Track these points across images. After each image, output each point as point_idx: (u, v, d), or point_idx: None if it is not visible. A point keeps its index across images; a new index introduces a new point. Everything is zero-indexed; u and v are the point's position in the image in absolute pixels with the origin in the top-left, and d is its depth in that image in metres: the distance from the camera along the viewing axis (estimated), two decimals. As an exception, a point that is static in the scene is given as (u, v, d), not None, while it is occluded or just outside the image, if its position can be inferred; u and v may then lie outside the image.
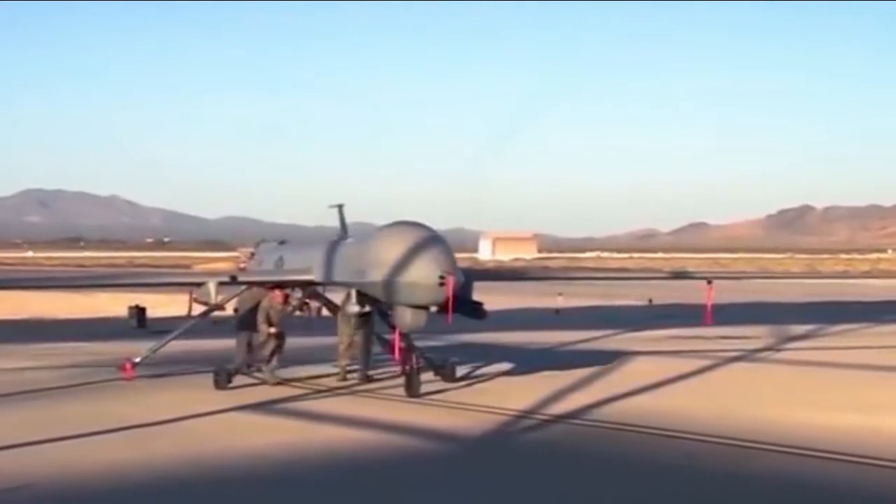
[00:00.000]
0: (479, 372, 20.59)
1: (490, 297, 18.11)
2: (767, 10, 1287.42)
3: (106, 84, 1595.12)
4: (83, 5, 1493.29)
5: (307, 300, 20.33)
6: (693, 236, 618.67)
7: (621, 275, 46.06)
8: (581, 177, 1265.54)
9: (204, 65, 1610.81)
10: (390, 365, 20.38)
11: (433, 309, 16.64)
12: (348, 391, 18.58)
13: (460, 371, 19.61)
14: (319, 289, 20.05)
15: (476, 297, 17.74)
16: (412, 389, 17.45)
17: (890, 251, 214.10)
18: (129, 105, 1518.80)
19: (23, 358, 24.10)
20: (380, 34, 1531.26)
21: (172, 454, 12.83)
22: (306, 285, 19.53)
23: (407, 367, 18.02)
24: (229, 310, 20.20)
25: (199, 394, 18.02)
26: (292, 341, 20.02)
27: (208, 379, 18.90)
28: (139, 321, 33.54)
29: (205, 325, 20.22)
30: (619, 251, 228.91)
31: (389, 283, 16.55)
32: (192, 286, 19.86)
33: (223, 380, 18.66)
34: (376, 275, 16.72)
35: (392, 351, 19.06)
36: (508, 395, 17.33)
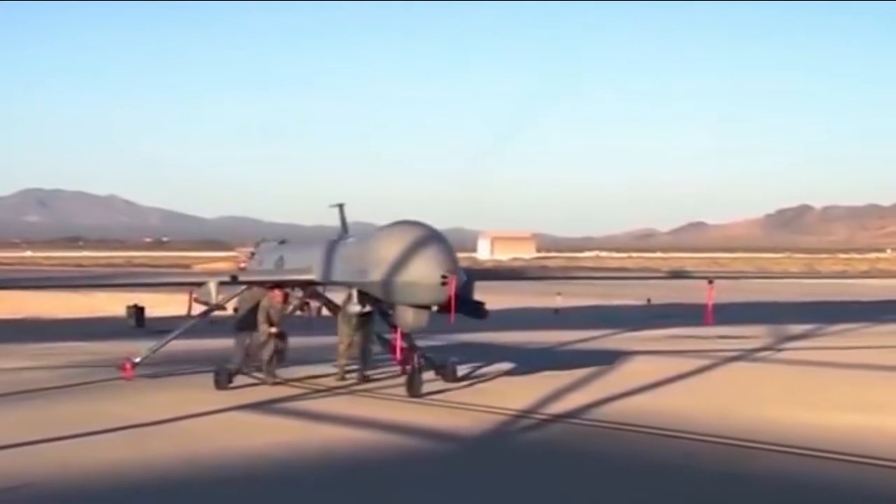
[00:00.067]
0: (479, 372, 20.58)
1: (489, 296, 18.09)
2: (767, 10, 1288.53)
3: (104, 83, 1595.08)
4: (82, 5, 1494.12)
5: (307, 300, 20.34)
6: (692, 236, 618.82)
7: (620, 274, 46.04)
8: (580, 176, 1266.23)
9: (202, 64, 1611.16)
10: (389, 365, 20.39)
11: (434, 308, 16.62)
12: (347, 391, 18.57)
13: (460, 371, 19.60)
14: (319, 288, 20.04)
15: (475, 296, 17.74)
16: (414, 389, 17.42)
17: (888, 251, 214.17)
18: (127, 105, 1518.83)
19: (21, 358, 24.08)
20: (378, 34, 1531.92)
21: (171, 454, 12.82)
22: (307, 285, 19.52)
23: (408, 367, 18.02)
24: (230, 310, 20.20)
25: (198, 393, 18.00)
26: (292, 341, 19.99)
27: (208, 379, 18.89)
28: (138, 321, 33.53)
29: (203, 324, 20.20)
30: (617, 251, 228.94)
31: (391, 283, 16.53)
32: (192, 286, 19.87)
33: (224, 380, 18.64)
34: (378, 274, 16.69)
35: (392, 351, 19.08)
36: (508, 395, 17.32)
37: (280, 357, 19.39)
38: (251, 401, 17.11)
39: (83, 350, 25.86)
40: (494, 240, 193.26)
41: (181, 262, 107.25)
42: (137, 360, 19.17)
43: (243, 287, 19.64)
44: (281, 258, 20.64)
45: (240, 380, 18.94)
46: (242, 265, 23.96)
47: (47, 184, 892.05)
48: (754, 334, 29.99)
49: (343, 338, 19.64)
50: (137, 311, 34.08)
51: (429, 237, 16.63)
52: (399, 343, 17.96)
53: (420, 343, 19.02)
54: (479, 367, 20.97)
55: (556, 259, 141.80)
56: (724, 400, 17.18)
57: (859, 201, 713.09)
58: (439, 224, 17.21)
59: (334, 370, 19.94)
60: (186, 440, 13.88)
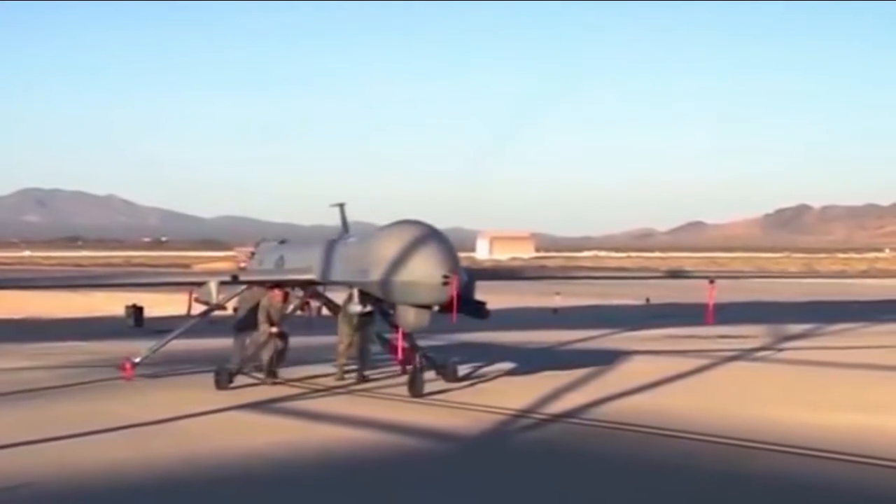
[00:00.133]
0: (479, 372, 20.55)
1: (488, 296, 18.06)
2: (767, 10, 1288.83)
3: (103, 83, 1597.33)
4: (82, 5, 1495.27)
5: (308, 299, 20.33)
6: (690, 236, 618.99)
7: (619, 274, 46.02)
8: (579, 176, 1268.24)
9: (202, 64, 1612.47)
10: (389, 364, 20.37)
11: (435, 308, 16.59)
12: (346, 391, 18.55)
13: (460, 371, 19.56)
14: (320, 288, 20.02)
15: (476, 296, 17.72)
16: (415, 389, 17.37)
17: (887, 250, 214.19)
18: (126, 104, 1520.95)
19: (20, 357, 24.06)
20: (378, 34, 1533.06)
21: (170, 453, 12.81)
22: (307, 285, 19.50)
23: (409, 367, 17.99)
24: (230, 309, 20.18)
25: (197, 393, 17.98)
26: (292, 340, 19.97)
27: (207, 378, 18.87)
28: (137, 320, 33.45)
29: (203, 324, 20.17)
30: (616, 251, 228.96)
31: (392, 283, 16.50)
32: (192, 286, 19.84)
33: (224, 380, 18.60)
34: (379, 274, 16.66)
35: (392, 350, 19.05)
36: (507, 395, 17.30)
37: (280, 357, 19.39)
38: (250, 400, 17.09)
39: (82, 350, 25.84)
40: (493, 240, 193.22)
41: (180, 262, 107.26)
42: (137, 360, 19.13)
43: (243, 287, 19.62)
44: (281, 258, 20.61)
45: (240, 380, 18.91)
46: (242, 265, 23.94)
47: (46, 183, 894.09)
48: (753, 334, 29.96)
49: (343, 337, 19.62)
50: (136, 310, 33.97)
51: (430, 237, 16.59)
52: (400, 343, 17.92)
53: (420, 343, 18.99)
54: (480, 367, 20.95)
55: (555, 259, 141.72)
56: (723, 400, 17.17)
57: (858, 201, 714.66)
58: (438, 224, 17.16)
59: (334, 370, 19.93)
60: (186, 440, 13.86)
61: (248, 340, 19.60)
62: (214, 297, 18.85)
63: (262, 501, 10.83)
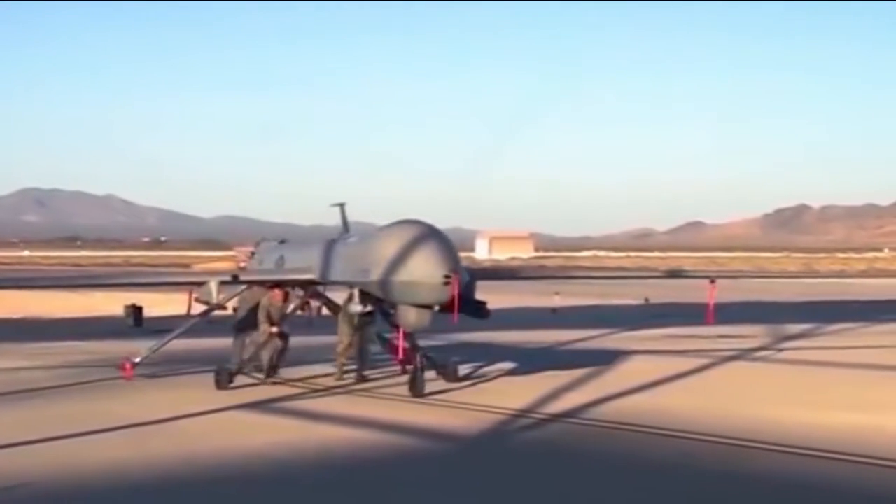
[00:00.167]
0: (479, 372, 20.55)
1: (487, 296, 18.05)
2: (767, 9, 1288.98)
3: (103, 83, 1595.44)
4: (82, 5, 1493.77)
5: (308, 299, 20.31)
6: (690, 235, 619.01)
7: (618, 274, 45.99)
8: (578, 176, 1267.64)
9: (202, 64, 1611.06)
10: (388, 364, 20.36)
11: (436, 308, 16.57)
12: (345, 390, 18.55)
13: (461, 371, 19.54)
14: (320, 288, 20.01)
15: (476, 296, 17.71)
16: (416, 389, 17.34)
17: (886, 250, 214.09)
18: (126, 104, 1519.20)
19: (19, 357, 24.06)
20: (377, 34, 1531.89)
21: (169, 453, 12.80)
22: (308, 284, 19.48)
23: (410, 367, 17.98)
24: (230, 309, 20.16)
25: (197, 393, 17.98)
26: (292, 340, 19.94)
27: (206, 378, 18.86)
28: (136, 320, 33.38)
29: (202, 324, 20.16)
30: (615, 250, 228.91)
31: (393, 283, 16.48)
32: (192, 285, 19.83)
33: (224, 380, 18.58)
34: (380, 274, 16.64)
35: (392, 350, 19.04)
36: (507, 395, 17.29)
37: (280, 357, 19.37)
38: (250, 400, 17.08)
39: (81, 349, 25.83)
40: (492, 239, 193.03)
41: (179, 262, 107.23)
42: (137, 360, 19.13)
43: (243, 287, 19.61)
44: (281, 258, 20.60)
45: (239, 380, 18.90)
46: (242, 265, 23.93)
47: (45, 183, 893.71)
48: (753, 334, 29.95)
49: (343, 337, 19.61)
50: (135, 310, 33.90)
51: (431, 236, 16.57)
52: (401, 343, 17.91)
53: (420, 343, 18.97)
54: (480, 367, 20.94)
55: (554, 258, 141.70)
56: (722, 399, 17.16)
57: (857, 201, 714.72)
58: (438, 224, 17.15)
59: (334, 370, 19.91)
60: (185, 439, 13.86)
61: (247, 340, 19.59)
62: (215, 297, 18.83)
63: (261, 501, 10.82)
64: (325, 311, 21.36)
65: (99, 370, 20.70)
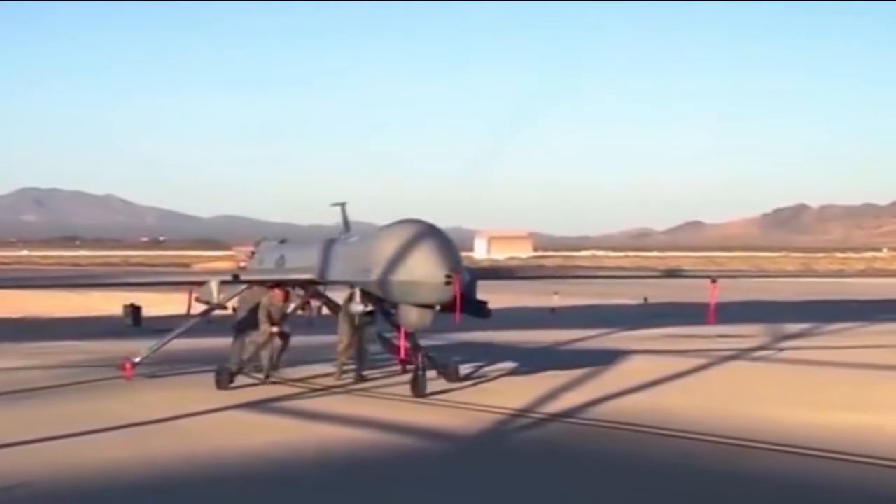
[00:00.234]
0: (480, 371, 20.54)
1: (486, 295, 18.05)
2: (767, 9, 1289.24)
3: (103, 83, 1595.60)
4: (82, 4, 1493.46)
5: (309, 299, 20.30)
6: (688, 235, 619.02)
7: (617, 273, 46.03)
8: (577, 176, 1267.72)
9: (202, 64, 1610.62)
10: (388, 364, 20.36)
11: (437, 308, 16.56)
12: (344, 390, 18.54)
13: (462, 370, 19.53)
14: (320, 287, 19.99)
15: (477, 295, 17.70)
16: (418, 389, 17.31)
17: (885, 250, 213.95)
18: (125, 104, 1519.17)
19: (18, 357, 24.06)
20: (377, 34, 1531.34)
21: (169, 452, 12.80)
22: (308, 284, 19.46)
23: (411, 367, 17.96)
24: (230, 309, 20.14)
25: (196, 393, 17.97)
26: (292, 340, 19.94)
27: (206, 378, 18.86)
28: (135, 320, 33.34)
29: (202, 324, 20.15)
30: (614, 250, 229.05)
31: (394, 282, 16.46)
32: (192, 285, 19.82)
33: (225, 380, 18.57)
34: (381, 273, 16.62)
35: (392, 350, 19.03)
36: (507, 395, 17.28)
37: (280, 356, 19.36)
38: (249, 400, 17.08)
39: (80, 349, 25.83)
40: (491, 239, 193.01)
41: (178, 262, 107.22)
42: (137, 359, 19.11)
43: (244, 286, 19.59)
44: (282, 257, 20.59)
45: (239, 379, 18.90)
46: (242, 264, 23.91)
47: (44, 183, 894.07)
48: (752, 333, 29.94)
49: (343, 337, 19.60)
50: (134, 310, 33.86)
51: (432, 236, 16.54)
52: (402, 343, 17.89)
53: (420, 342, 18.97)
54: (481, 367, 20.93)
55: (553, 258, 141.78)
56: (722, 399, 17.16)
57: (856, 201, 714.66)
58: (438, 224, 17.15)
59: (333, 369, 19.90)
60: (185, 439, 13.86)
61: (247, 340, 19.57)
62: (215, 297, 18.81)
63: (260, 501, 10.82)
64: (325, 310, 21.35)
65: (97, 370, 20.70)
